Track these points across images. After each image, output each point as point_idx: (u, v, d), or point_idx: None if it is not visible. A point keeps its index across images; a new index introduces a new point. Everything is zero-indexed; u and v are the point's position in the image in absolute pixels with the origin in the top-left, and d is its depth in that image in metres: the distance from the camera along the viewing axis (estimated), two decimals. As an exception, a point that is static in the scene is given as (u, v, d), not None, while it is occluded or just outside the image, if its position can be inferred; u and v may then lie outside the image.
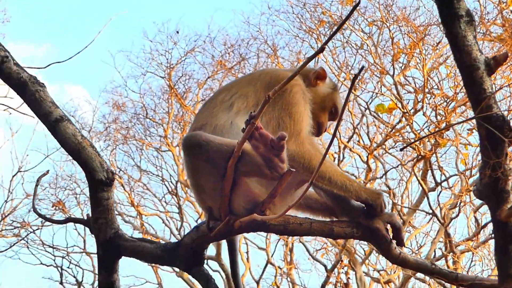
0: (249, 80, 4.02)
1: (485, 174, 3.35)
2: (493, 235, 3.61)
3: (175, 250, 3.83)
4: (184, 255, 3.80)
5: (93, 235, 4.06)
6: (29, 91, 4.08)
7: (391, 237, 3.73)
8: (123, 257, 4.05)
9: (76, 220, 4.39)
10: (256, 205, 3.53)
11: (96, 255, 4.03)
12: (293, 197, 3.85)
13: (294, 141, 3.70)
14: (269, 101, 3.00)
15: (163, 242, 4.05)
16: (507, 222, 3.49)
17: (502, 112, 3.31)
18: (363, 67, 2.94)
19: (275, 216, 3.43)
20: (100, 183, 3.97)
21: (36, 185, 4.41)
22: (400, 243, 3.73)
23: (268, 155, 3.35)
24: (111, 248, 3.99)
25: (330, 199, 3.83)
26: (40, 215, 4.44)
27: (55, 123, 4.04)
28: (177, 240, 3.97)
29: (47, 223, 18.29)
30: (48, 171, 4.46)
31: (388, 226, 3.73)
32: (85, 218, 4.11)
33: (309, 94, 4.00)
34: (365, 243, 19.14)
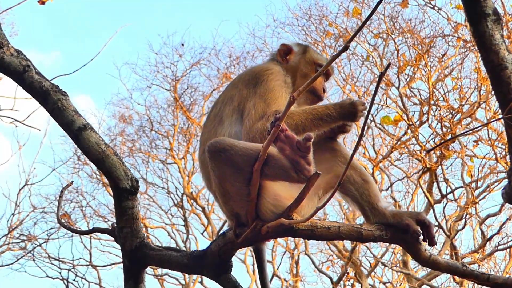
0: (233, 84, 4.11)
1: (513, 176, 3.32)
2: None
3: (202, 258, 3.80)
4: (211, 262, 3.77)
5: (118, 245, 4.03)
6: (52, 100, 4.02)
7: (422, 237, 3.71)
8: (148, 266, 4.05)
9: (101, 230, 4.34)
10: (283, 210, 3.52)
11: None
12: (321, 200, 3.86)
13: (265, 119, 3.69)
14: (293, 102, 3.01)
15: (189, 250, 4.00)
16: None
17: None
18: (389, 64, 2.93)
19: (302, 219, 3.40)
20: (124, 192, 3.93)
21: (60, 197, 4.35)
22: (431, 241, 3.72)
23: (294, 158, 3.35)
24: (137, 257, 3.97)
25: (357, 206, 3.85)
26: (64, 226, 4.37)
27: (78, 131, 3.97)
28: (203, 248, 3.95)
29: (53, 236, 18.33)
30: (72, 182, 4.43)
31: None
32: (110, 228, 4.09)
33: (288, 74, 4.11)
34: (371, 255, 19.13)
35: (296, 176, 3.40)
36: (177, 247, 20.08)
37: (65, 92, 4.09)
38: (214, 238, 3.85)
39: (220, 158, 3.51)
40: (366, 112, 3.72)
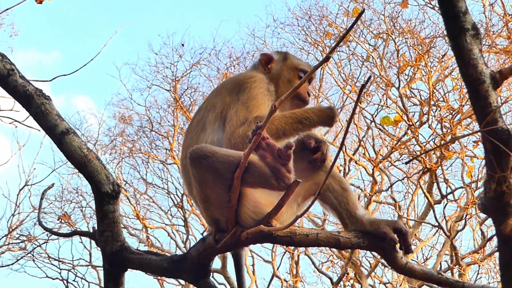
0: (216, 91, 4.13)
1: (490, 188, 3.33)
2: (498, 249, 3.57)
3: (181, 263, 3.83)
4: (191, 267, 3.80)
5: (99, 248, 4.05)
6: (35, 104, 4.07)
7: (399, 245, 3.74)
8: (128, 269, 4.06)
9: (82, 233, 4.39)
10: (262, 216, 3.54)
11: (101, 268, 4.01)
12: (300, 208, 3.89)
13: (247, 125, 3.73)
14: (275, 111, 3.02)
15: (169, 254, 4.02)
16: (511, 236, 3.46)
17: (508, 126, 3.30)
18: (370, 76, 2.96)
19: (281, 227, 3.42)
20: (106, 196, 3.97)
21: (41, 198, 4.40)
22: (408, 249, 3.76)
23: (275, 165, 3.36)
24: (117, 261, 3.99)
25: (335, 214, 3.87)
26: (45, 228, 4.42)
27: (61, 136, 4.03)
28: (183, 253, 3.97)
29: (54, 236, 18.34)
30: (53, 184, 4.47)
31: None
32: (91, 231, 4.11)
33: (271, 83, 4.13)
34: (371, 255, 19.12)
35: (276, 183, 3.41)
36: (178, 248, 20.13)
37: (48, 97, 4.14)
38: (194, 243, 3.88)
39: (202, 164, 3.53)
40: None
